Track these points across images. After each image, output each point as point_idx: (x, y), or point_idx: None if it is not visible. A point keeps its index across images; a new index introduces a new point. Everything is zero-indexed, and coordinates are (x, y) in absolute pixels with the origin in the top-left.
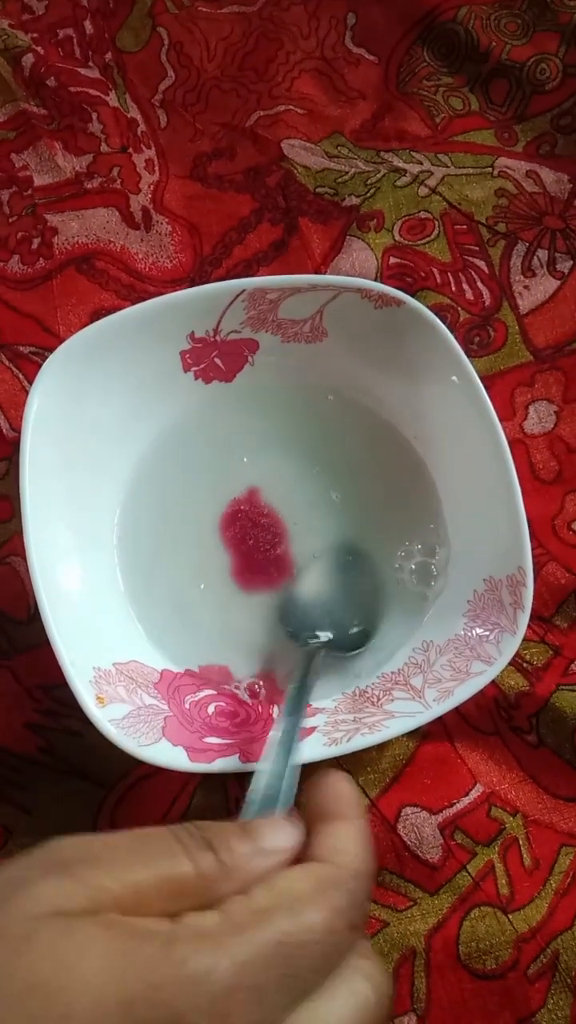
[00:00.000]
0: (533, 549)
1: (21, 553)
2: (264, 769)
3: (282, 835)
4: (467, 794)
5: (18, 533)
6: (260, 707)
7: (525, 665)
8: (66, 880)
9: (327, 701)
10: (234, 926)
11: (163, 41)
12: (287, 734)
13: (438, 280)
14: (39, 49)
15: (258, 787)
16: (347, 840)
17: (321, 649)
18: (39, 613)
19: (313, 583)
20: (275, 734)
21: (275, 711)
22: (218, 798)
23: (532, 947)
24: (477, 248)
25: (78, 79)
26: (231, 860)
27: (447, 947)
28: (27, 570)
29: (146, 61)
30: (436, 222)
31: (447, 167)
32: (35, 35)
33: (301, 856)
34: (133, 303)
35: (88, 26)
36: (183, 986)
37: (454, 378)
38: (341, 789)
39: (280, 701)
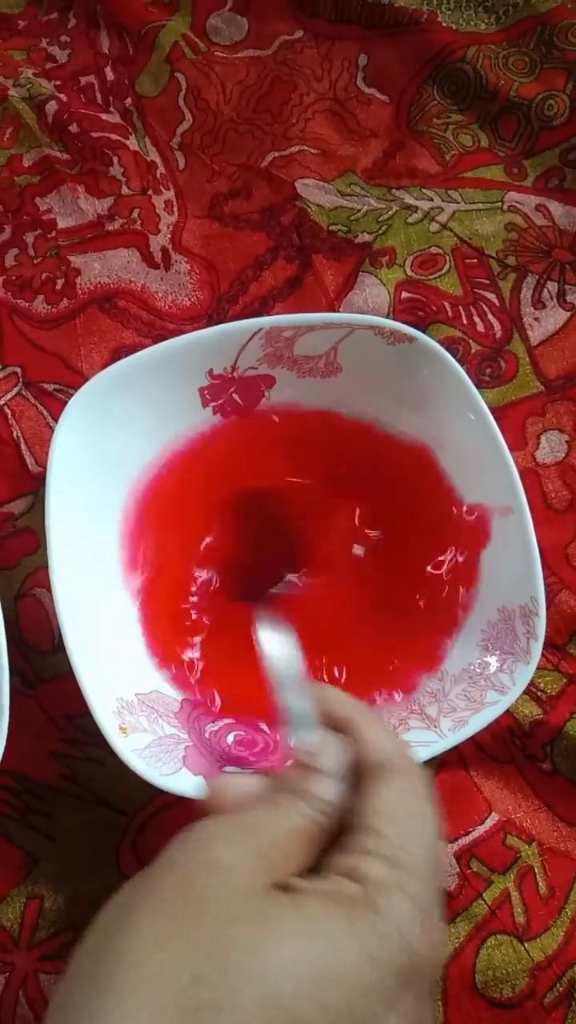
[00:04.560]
0: (545, 578)
1: (46, 585)
2: (289, 703)
3: (333, 754)
4: (482, 822)
5: (43, 566)
6: (279, 736)
7: (539, 694)
8: (242, 853)
9: None
10: (397, 866)
11: (181, 86)
12: (292, 669)
13: (449, 313)
14: (62, 96)
15: (290, 718)
16: (378, 736)
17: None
18: (63, 644)
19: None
20: (281, 674)
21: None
22: None
23: (548, 976)
24: (487, 281)
25: (99, 124)
26: (324, 804)
27: (463, 976)
28: (51, 601)
29: (165, 105)
30: (447, 257)
31: (457, 203)
32: (58, 83)
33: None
34: (154, 340)
35: (109, 73)
36: (400, 927)
37: (467, 412)
38: (336, 696)
39: None
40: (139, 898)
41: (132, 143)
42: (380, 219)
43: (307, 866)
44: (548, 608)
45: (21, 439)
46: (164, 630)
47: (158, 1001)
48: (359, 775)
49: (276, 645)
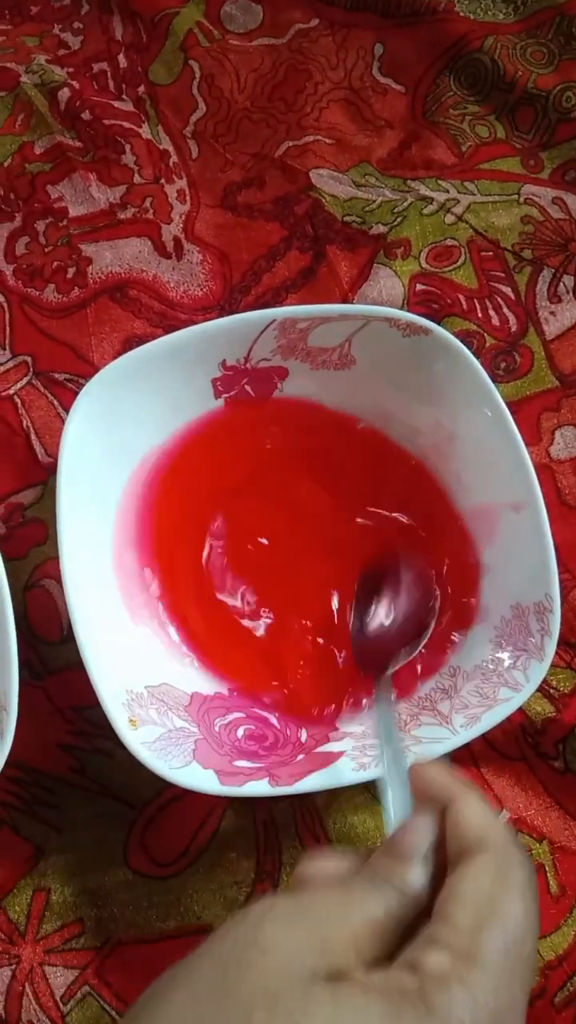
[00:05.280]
0: (560, 575)
1: (55, 576)
2: (386, 781)
3: (422, 833)
4: None
5: (52, 557)
6: (289, 731)
7: (552, 691)
8: (302, 936)
9: (355, 726)
10: (464, 958)
11: (195, 74)
12: (393, 748)
13: (464, 307)
14: (75, 83)
15: (389, 798)
16: (472, 813)
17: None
18: (72, 635)
19: (377, 616)
20: (386, 753)
21: (303, 735)
22: (246, 821)
23: (559, 975)
24: (503, 275)
25: (112, 112)
26: (407, 888)
27: None
28: (60, 593)
29: (178, 93)
30: (462, 249)
31: (473, 195)
32: (71, 69)
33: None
34: (165, 331)
35: (122, 60)
36: None
37: (482, 406)
38: (434, 773)
39: (309, 725)
40: (179, 974)
41: (145, 131)
42: (395, 210)
43: (377, 956)
44: (562, 605)
45: (31, 429)
46: (190, 623)
47: None
48: (451, 856)
49: (385, 721)
